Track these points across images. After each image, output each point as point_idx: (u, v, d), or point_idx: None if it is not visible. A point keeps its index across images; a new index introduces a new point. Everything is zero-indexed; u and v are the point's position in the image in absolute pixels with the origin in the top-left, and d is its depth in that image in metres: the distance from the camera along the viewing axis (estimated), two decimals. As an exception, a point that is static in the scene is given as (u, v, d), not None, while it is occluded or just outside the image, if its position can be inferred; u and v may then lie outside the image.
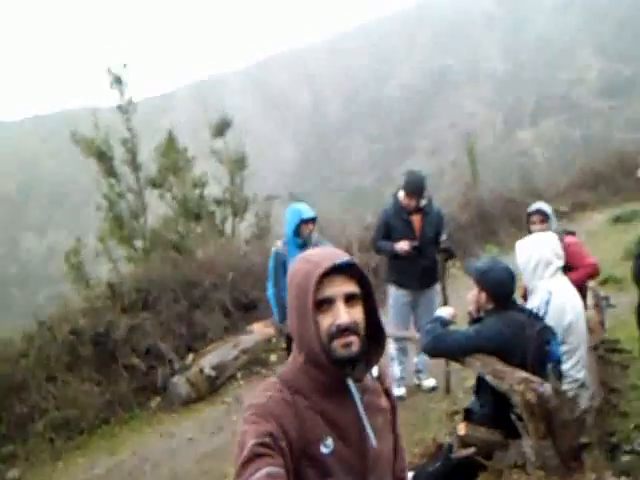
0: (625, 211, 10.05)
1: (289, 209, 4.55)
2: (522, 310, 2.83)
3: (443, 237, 4.69)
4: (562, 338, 3.11)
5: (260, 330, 6.34)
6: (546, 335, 2.72)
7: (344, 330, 1.30)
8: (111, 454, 4.80)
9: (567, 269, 4.28)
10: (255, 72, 69.41)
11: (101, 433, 5.11)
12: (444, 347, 2.80)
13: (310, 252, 1.42)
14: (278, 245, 4.56)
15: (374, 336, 1.40)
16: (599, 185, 11.76)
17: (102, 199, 7.61)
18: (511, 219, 10.53)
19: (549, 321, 3.06)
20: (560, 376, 2.79)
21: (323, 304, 1.31)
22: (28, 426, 4.86)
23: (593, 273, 4.37)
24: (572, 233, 4.51)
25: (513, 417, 2.55)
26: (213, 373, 5.64)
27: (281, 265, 4.51)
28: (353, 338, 1.31)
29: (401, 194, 4.73)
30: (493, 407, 2.70)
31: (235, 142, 8.35)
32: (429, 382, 5.10)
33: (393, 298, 4.93)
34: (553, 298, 3.12)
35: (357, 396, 1.35)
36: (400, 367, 5.01)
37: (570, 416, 2.40)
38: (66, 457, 4.80)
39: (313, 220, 4.48)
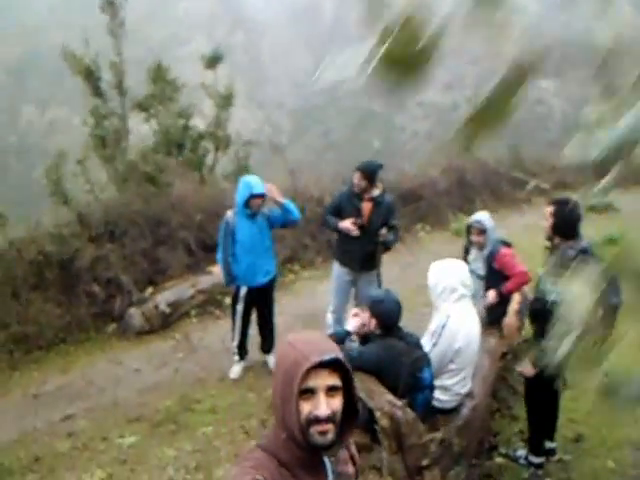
0: (600, 200, 10.25)
1: (242, 181, 4.80)
2: (404, 338, 3.21)
3: (383, 231, 4.96)
4: (451, 358, 3.53)
5: (219, 273, 6.72)
6: (420, 364, 3.14)
7: (322, 420, 1.42)
8: (63, 372, 5.33)
9: (503, 278, 4.68)
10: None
11: (57, 351, 5.62)
12: None
13: (299, 339, 1.50)
14: (229, 215, 4.85)
15: (349, 412, 1.52)
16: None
17: (89, 116, 7.74)
18: (492, 190, 10.75)
19: (442, 342, 3.48)
20: (428, 403, 3.24)
21: (306, 392, 1.42)
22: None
23: (523, 281, 4.74)
24: (508, 244, 4.82)
25: (377, 428, 2.99)
26: (167, 310, 6.10)
27: (230, 234, 4.83)
28: (329, 426, 1.43)
29: (355, 174, 4.97)
30: (366, 416, 3.14)
31: (227, 77, 8.35)
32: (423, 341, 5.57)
33: (335, 274, 5.32)
34: (449, 323, 3.50)
35: (330, 472, 1.53)
36: None
37: (417, 440, 2.84)
38: (23, 369, 5.33)
39: (262, 196, 4.75)
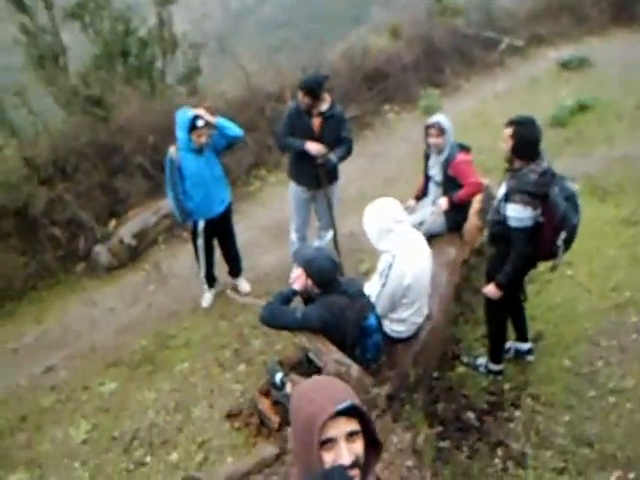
0: (574, 56, 9.68)
1: (178, 116, 4.52)
2: (345, 292, 3.18)
3: (332, 156, 4.75)
4: (402, 293, 3.53)
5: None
6: (364, 313, 3.15)
7: (346, 468, 1.42)
8: (38, 322, 5.42)
9: (456, 186, 4.56)
10: None
11: (29, 299, 5.66)
12: (279, 324, 3.21)
13: (313, 390, 1.48)
14: (172, 151, 4.61)
15: (371, 445, 1.52)
16: (562, 13, 11.01)
17: (20, 34, 7.08)
18: (462, 55, 10.10)
19: (390, 282, 3.46)
20: (378, 345, 3.30)
21: (326, 443, 1.42)
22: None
23: (475, 191, 4.65)
24: (466, 149, 4.63)
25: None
26: (133, 242, 6.05)
27: (177, 171, 4.63)
28: (355, 472, 1.44)
29: (299, 92, 4.69)
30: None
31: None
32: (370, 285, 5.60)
33: (292, 193, 5.20)
34: (395, 262, 3.46)
35: None
36: None
37: (365, 396, 2.92)
38: (-2, 323, 5.42)
39: (204, 126, 4.48)
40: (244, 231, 6.54)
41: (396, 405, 3.20)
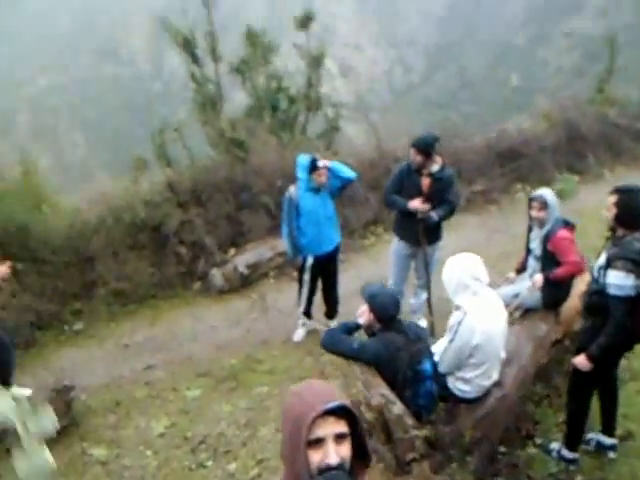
0: None
1: (299, 159, 5.00)
2: (404, 332, 3.27)
3: (433, 214, 4.91)
4: (470, 352, 3.52)
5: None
6: (419, 357, 3.20)
7: (332, 468, 1.44)
8: (151, 325, 6.05)
9: (555, 262, 4.46)
10: None
11: (148, 305, 6.36)
12: (337, 350, 3.37)
13: (305, 389, 1.54)
14: (291, 190, 5.07)
15: (360, 456, 1.54)
16: None
17: (191, 81, 8.26)
18: (609, 144, 9.75)
19: (458, 339, 3.47)
20: (431, 393, 3.31)
21: (315, 442, 1.45)
22: (93, 290, 6.19)
23: (574, 271, 4.48)
24: (570, 226, 4.53)
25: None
26: (246, 271, 6.57)
27: (294, 208, 5.08)
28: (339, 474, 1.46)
29: (411, 150, 4.95)
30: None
31: (317, 37, 8.37)
32: (421, 323, 5.65)
33: (394, 248, 5.39)
34: (465, 319, 3.47)
35: None
36: None
37: (403, 435, 2.94)
38: (118, 320, 6.13)
39: (323, 167, 4.91)
40: (350, 280, 6.79)
41: (439, 456, 3.15)
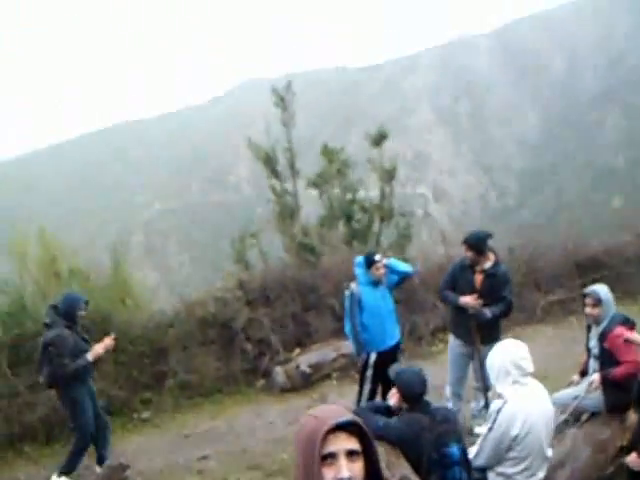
0: None
1: (357, 259, 5.23)
2: (430, 413, 3.19)
3: (486, 311, 4.87)
4: (509, 445, 3.34)
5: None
6: (445, 439, 3.09)
7: None
8: (212, 418, 6.19)
9: (614, 362, 4.21)
10: (504, 34, 65.53)
11: (212, 399, 6.54)
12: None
13: (317, 410, 1.59)
14: (353, 287, 5.25)
15: (373, 478, 1.56)
16: None
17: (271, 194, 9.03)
18: None
19: (497, 428, 3.33)
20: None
21: (327, 458, 1.47)
22: (163, 381, 6.51)
23: (635, 371, 4.18)
24: (630, 323, 4.31)
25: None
26: (308, 370, 6.64)
27: (356, 303, 5.20)
28: None
29: (463, 247, 5.03)
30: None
31: (391, 151, 8.95)
32: (481, 429, 5.35)
33: (450, 346, 5.33)
34: (504, 408, 3.35)
35: None
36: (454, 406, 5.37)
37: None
38: (183, 411, 6.33)
39: (382, 262, 5.10)
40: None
41: None
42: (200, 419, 6.17)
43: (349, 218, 8.93)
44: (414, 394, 3.29)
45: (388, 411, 3.46)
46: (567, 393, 4.50)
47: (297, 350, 6.97)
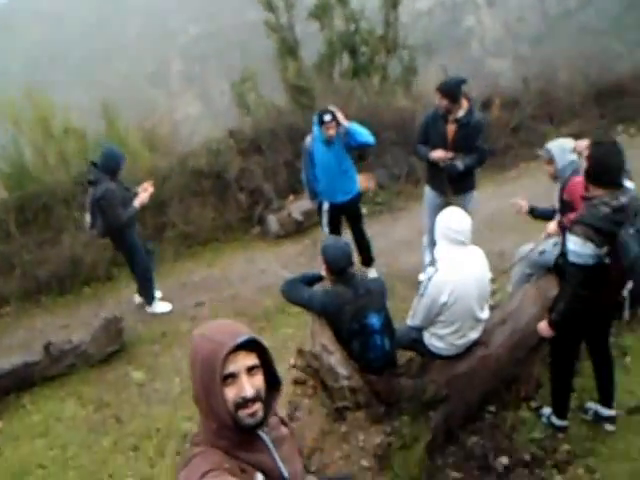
0: None
1: (315, 115, 5.03)
2: (353, 286, 3.29)
3: (458, 163, 4.67)
4: (438, 311, 3.44)
5: (358, 183, 7.04)
6: (364, 311, 3.24)
7: (249, 400, 1.49)
8: (209, 266, 6.58)
9: (571, 210, 4.07)
10: None
11: (210, 247, 6.88)
12: (291, 298, 3.50)
13: (210, 329, 1.55)
14: (307, 140, 5.19)
15: (271, 383, 1.61)
16: None
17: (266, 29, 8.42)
18: None
19: (427, 295, 3.41)
20: (380, 347, 3.31)
21: (228, 378, 1.48)
22: (163, 232, 6.83)
23: None
24: None
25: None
26: (300, 217, 6.78)
27: (308, 157, 5.24)
28: (257, 406, 1.50)
29: (436, 95, 4.74)
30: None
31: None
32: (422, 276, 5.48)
33: (426, 197, 5.26)
34: (435, 276, 3.39)
35: (269, 442, 1.58)
36: (430, 255, 5.47)
37: (334, 384, 3.03)
38: (182, 260, 6.73)
39: (330, 122, 4.89)
40: (402, 229, 6.76)
41: (381, 408, 3.20)
42: (198, 268, 6.56)
43: (352, 51, 8.31)
44: (338, 268, 3.35)
45: (319, 279, 3.58)
46: (530, 246, 4.45)
47: (291, 197, 7.05)
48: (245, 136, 6.95)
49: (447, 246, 3.43)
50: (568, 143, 4.04)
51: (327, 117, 4.87)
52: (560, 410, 3.61)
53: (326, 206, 5.35)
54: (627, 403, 3.79)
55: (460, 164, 4.74)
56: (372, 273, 5.78)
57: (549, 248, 4.26)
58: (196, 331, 1.58)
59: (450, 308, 3.41)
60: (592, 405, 3.70)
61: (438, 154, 4.76)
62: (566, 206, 4.07)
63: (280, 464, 1.58)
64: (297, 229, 6.82)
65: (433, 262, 3.51)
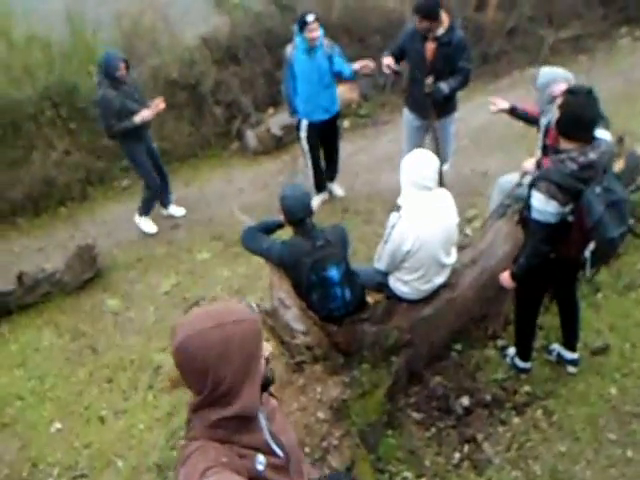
0: None
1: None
2: (312, 237, 3.19)
3: (443, 85, 4.36)
4: (402, 258, 3.33)
5: (341, 94, 6.64)
6: (323, 264, 3.15)
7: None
8: (186, 185, 6.36)
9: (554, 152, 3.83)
10: None
11: (188, 164, 6.62)
12: (250, 248, 3.39)
13: (216, 314, 1.42)
14: (288, 49, 4.86)
15: None
16: None
17: None
18: None
19: (390, 242, 3.29)
20: (340, 297, 3.25)
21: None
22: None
23: None
24: None
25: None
26: (279, 133, 6.47)
27: (289, 68, 4.95)
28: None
29: (415, 18, 4.35)
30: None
31: None
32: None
33: (405, 119, 5.00)
34: (399, 224, 3.24)
35: (264, 419, 1.55)
36: None
37: (290, 340, 3.00)
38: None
39: (316, 23, 4.60)
40: (386, 144, 6.47)
41: (340, 358, 3.20)
42: (175, 186, 6.33)
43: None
44: (296, 219, 3.20)
45: (280, 227, 3.44)
46: (512, 178, 4.25)
47: (270, 110, 6.69)
48: (220, 44, 6.43)
49: (412, 192, 3.24)
50: (559, 70, 3.70)
51: (310, 17, 4.56)
52: (523, 353, 3.62)
53: (304, 124, 5.13)
54: (593, 343, 3.80)
55: (445, 87, 4.42)
56: (337, 189, 5.69)
57: (527, 182, 4.07)
58: (204, 325, 1.40)
59: (414, 255, 3.30)
60: (556, 347, 3.71)
61: (388, 61, 4.53)
62: (549, 150, 3.82)
63: (271, 443, 1.55)
64: (276, 145, 6.53)
65: (398, 208, 3.33)
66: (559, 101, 2.78)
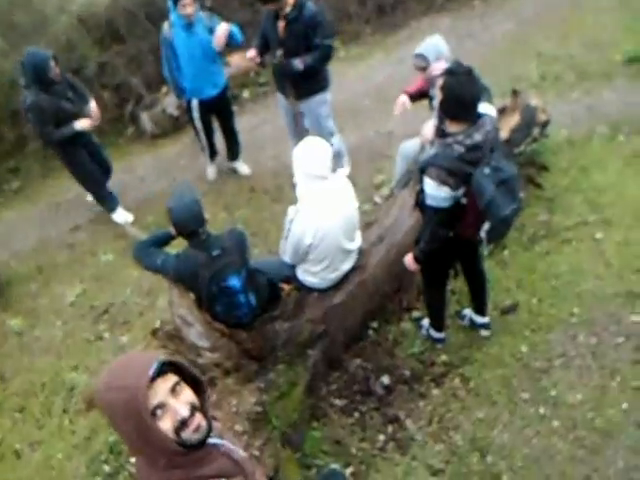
0: None
1: None
2: (207, 248, 3.03)
3: (297, 62, 4.22)
4: (305, 250, 3.23)
5: (237, 63, 6.32)
6: (222, 274, 3.02)
7: (187, 419, 1.37)
8: (83, 180, 5.95)
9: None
10: None
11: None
12: (142, 264, 3.18)
13: (112, 377, 1.35)
14: (165, 28, 4.54)
15: (195, 385, 1.48)
16: None
17: None
18: None
19: (291, 237, 3.17)
20: (245, 304, 3.13)
21: (156, 412, 1.34)
22: (24, 147, 6.05)
23: None
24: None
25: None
26: (176, 112, 6.11)
27: (169, 47, 4.61)
28: (198, 418, 1.39)
29: None
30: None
31: None
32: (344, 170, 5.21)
33: (279, 104, 4.90)
34: (297, 218, 3.13)
35: (218, 441, 1.52)
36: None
37: (197, 359, 2.88)
38: (53, 175, 6.03)
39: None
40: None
41: (254, 365, 3.11)
42: (72, 183, 5.91)
43: None
44: (187, 231, 3.01)
45: (172, 238, 3.24)
46: (414, 144, 4.18)
47: (164, 89, 6.27)
48: (99, 21, 5.89)
49: (306, 183, 3.11)
50: (441, 42, 3.61)
51: None
52: (437, 324, 3.65)
53: (195, 103, 4.84)
54: (502, 301, 3.88)
55: (299, 63, 4.22)
56: (242, 168, 5.51)
57: (429, 148, 4.01)
58: (97, 387, 1.38)
59: (317, 247, 3.20)
60: (467, 312, 3.76)
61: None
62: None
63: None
64: (174, 126, 6.17)
65: (296, 200, 3.20)
66: (440, 82, 2.69)
